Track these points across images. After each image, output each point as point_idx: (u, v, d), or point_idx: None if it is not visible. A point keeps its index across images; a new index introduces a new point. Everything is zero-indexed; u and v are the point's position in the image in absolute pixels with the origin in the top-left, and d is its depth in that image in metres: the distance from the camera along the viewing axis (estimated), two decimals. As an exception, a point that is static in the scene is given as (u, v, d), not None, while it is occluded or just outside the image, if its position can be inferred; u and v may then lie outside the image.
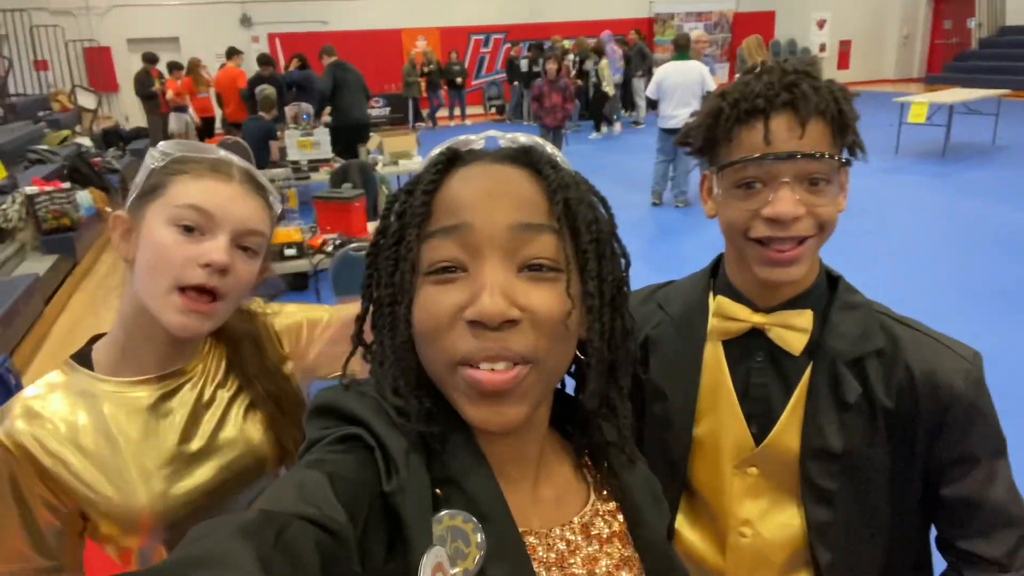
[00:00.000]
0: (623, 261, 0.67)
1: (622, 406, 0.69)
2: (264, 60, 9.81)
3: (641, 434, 1.11)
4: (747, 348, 1.03)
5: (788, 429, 1.00)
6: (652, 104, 7.67)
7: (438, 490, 0.59)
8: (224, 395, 1.04)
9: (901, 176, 8.54)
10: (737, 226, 0.95)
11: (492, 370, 0.57)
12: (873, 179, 8.16)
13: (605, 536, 0.67)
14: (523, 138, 0.66)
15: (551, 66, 9.13)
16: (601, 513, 0.69)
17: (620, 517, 0.70)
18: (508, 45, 16.47)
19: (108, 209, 7.53)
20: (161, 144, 0.98)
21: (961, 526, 0.98)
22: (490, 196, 0.59)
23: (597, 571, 0.65)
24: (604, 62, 12.82)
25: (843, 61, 18.93)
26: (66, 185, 6.49)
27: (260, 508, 0.50)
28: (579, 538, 0.65)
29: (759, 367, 1.02)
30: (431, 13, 16.24)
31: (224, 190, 0.94)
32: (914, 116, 9.37)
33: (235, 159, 1.00)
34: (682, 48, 7.41)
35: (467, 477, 0.60)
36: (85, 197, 6.78)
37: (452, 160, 0.63)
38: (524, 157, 0.62)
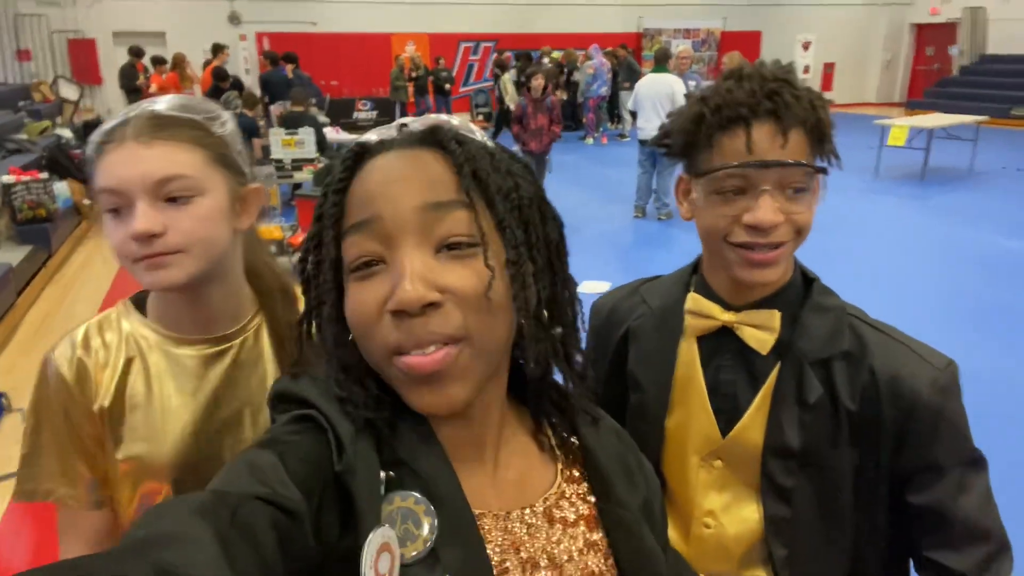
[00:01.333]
0: (556, 224, 0.66)
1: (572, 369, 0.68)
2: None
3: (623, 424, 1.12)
4: (719, 345, 1.04)
5: (752, 425, 1.01)
6: (635, 116, 7.74)
7: (391, 472, 0.59)
8: (262, 371, 1.04)
9: (880, 197, 8.66)
10: (717, 231, 0.96)
11: (423, 354, 0.56)
12: (853, 199, 8.27)
13: (571, 519, 0.66)
14: (444, 118, 0.65)
15: (537, 82, 7.71)
16: (568, 495, 0.68)
17: (590, 499, 0.69)
18: (497, 54, 16.54)
19: (86, 201, 7.43)
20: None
21: (928, 535, 0.97)
22: (397, 182, 0.58)
23: (557, 555, 0.63)
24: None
25: (827, 83, 19.18)
26: (44, 175, 6.40)
27: (213, 489, 0.50)
28: (540, 521, 0.64)
29: (729, 364, 1.03)
30: (421, 19, 16.26)
31: (119, 156, 0.89)
32: (894, 139, 9.51)
33: (137, 110, 0.93)
34: (660, 61, 7.51)
35: (418, 459, 0.60)
36: (63, 188, 6.71)
37: (361, 155, 0.62)
38: (430, 137, 0.61)
